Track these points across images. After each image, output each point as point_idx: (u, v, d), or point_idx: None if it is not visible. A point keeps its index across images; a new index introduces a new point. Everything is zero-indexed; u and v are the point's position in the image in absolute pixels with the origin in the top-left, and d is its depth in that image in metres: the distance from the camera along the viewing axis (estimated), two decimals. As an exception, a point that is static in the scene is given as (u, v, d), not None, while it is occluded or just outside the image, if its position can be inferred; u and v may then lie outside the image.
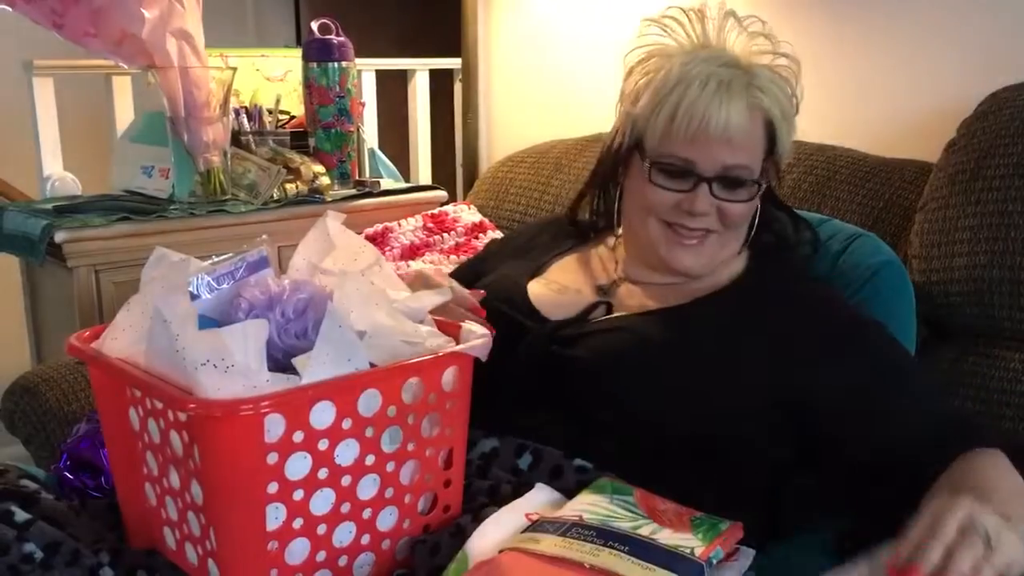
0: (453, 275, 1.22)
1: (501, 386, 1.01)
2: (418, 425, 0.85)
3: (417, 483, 0.87)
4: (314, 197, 1.84)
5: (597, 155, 1.23)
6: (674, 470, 0.97)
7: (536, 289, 1.18)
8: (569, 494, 0.94)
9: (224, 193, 1.77)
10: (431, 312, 0.92)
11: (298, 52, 1.98)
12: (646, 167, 1.09)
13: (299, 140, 1.93)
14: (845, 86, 1.68)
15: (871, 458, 0.98)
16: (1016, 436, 0.96)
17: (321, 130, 1.90)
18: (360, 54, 1.94)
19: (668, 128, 1.06)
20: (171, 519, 0.86)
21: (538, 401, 1.05)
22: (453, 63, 2.38)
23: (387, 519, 0.85)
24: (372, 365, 0.81)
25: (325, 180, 1.86)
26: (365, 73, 2.24)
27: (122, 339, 0.84)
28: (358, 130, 1.95)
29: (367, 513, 0.83)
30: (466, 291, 1.08)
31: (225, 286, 0.88)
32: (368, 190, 1.93)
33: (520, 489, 0.94)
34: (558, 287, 1.18)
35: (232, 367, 0.73)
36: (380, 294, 0.87)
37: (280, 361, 0.81)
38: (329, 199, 1.85)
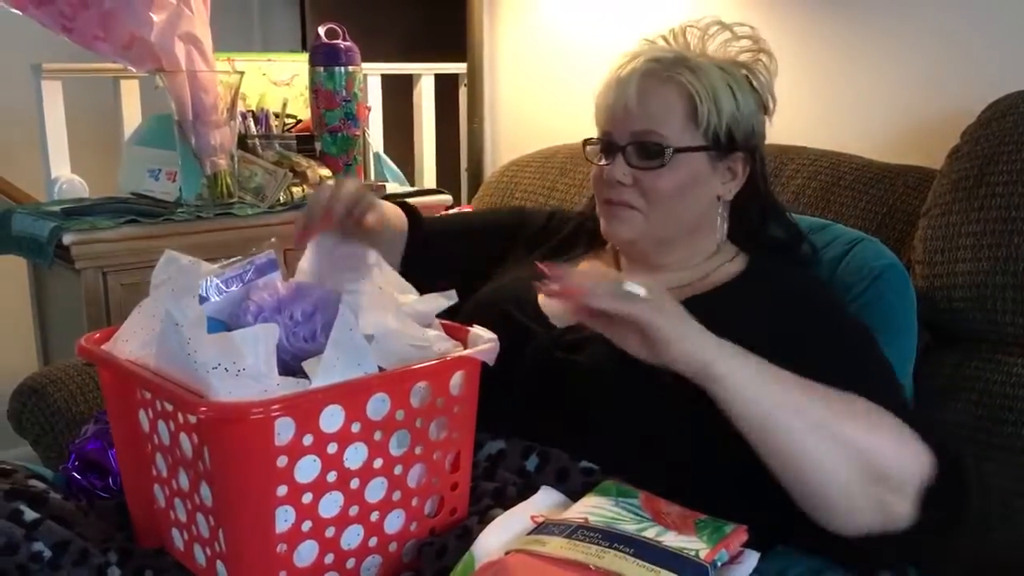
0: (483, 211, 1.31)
1: (507, 389, 1.01)
2: (426, 429, 0.85)
3: (424, 486, 0.87)
4: (320, 201, 1.85)
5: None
6: (675, 472, 0.98)
7: None
8: (575, 496, 0.94)
9: (231, 196, 1.78)
10: None
11: (305, 56, 1.99)
12: (583, 150, 1.21)
13: (305, 144, 1.94)
14: (849, 92, 1.68)
15: None
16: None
17: (327, 134, 1.91)
18: (366, 59, 1.95)
19: (598, 115, 1.18)
20: (180, 520, 0.86)
21: (542, 404, 1.06)
22: (458, 68, 2.39)
23: (394, 522, 0.86)
24: (381, 369, 0.82)
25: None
26: (371, 77, 2.25)
27: (133, 341, 0.84)
28: (364, 134, 1.96)
29: (375, 516, 0.84)
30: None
31: (234, 288, 0.88)
32: (374, 194, 1.93)
33: (526, 491, 0.94)
34: None
35: (243, 371, 0.74)
36: (388, 298, 0.88)
37: (288, 364, 0.82)
38: (335, 203, 1.86)
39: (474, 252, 1.32)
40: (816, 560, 1.01)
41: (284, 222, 1.79)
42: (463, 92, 2.40)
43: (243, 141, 1.85)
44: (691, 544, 0.86)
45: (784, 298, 1.10)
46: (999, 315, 1.26)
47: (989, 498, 1.02)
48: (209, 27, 1.74)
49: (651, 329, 0.88)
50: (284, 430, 0.75)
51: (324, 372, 0.77)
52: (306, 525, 0.79)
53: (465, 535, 0.86)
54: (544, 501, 0.92)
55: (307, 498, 0.78)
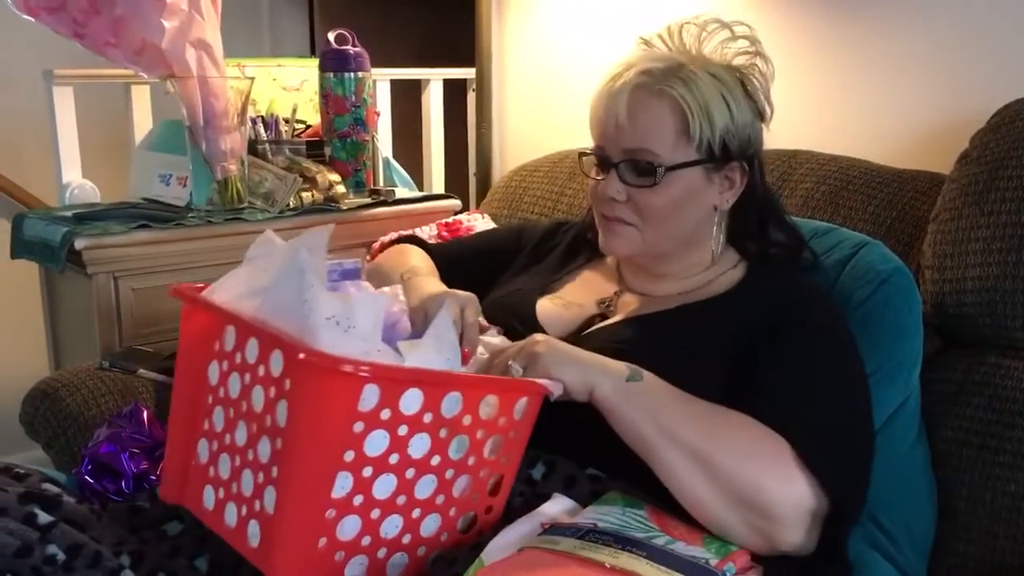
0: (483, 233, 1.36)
1: None
2: (483, 442, 0.87)
3: (465, 499, 0.89)
4: (330, 206, 1.86)
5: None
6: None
7: (544, 305, 1.22)
8: (583, 503, 0.95)
9: (241, 201, 1.79)
10: None
11: (314, 62, 1.99)
12: (579, 163, 1.20)
13: (315, 149, 1.94)
14: (858, 97, 1.69)
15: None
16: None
17: (337, 139, 1.92)
18: (375, 64, 1.96)
19: (592, 127, 1.17)
20: (219, 477, 0.87)
21: (544, 414, 1.06)
22: (467, 73, 2.39)
23: (430, 525, 0.87)
24: None
25: (340, 189, 1.87)
26: (380, 83, 2.26)
27: (231, 292, 0.87)
28: (373, 139, 1.97)
29: (416, 513, 0.85)
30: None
31: (326, 271, 0.92)
32: (383, 199, 1.94)
33: (533, 500, 0.95)
34: (563, 303, 1.22)
35: (353, 328, 0.77)
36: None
37: None
38: (344, 208, 1.87)
39: (475, 276, 1.33)
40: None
41: (294, 227, 1.80)
42: (472, 97, 2.41)
43: (253, 146, 1.86)
44: (700, 553, 0.86)
45: (778, 307, 1.11)
46: (1009, 320, 1.26)
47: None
48: (219, 33, 1.74)
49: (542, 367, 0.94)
50: (369, 396, 0.77)
51: (417, 355, 0.81)
52: (358, 499, 0.80)
53: (476, 546, 0.87)
54: (555, 507, 0.93)
55: (367, 472, 0.80)
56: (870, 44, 1.67)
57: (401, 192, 2.05)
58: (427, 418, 0.81)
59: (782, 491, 0.92)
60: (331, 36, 1.91)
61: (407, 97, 2.45)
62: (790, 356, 1.05)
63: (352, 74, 1.89)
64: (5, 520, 0.88)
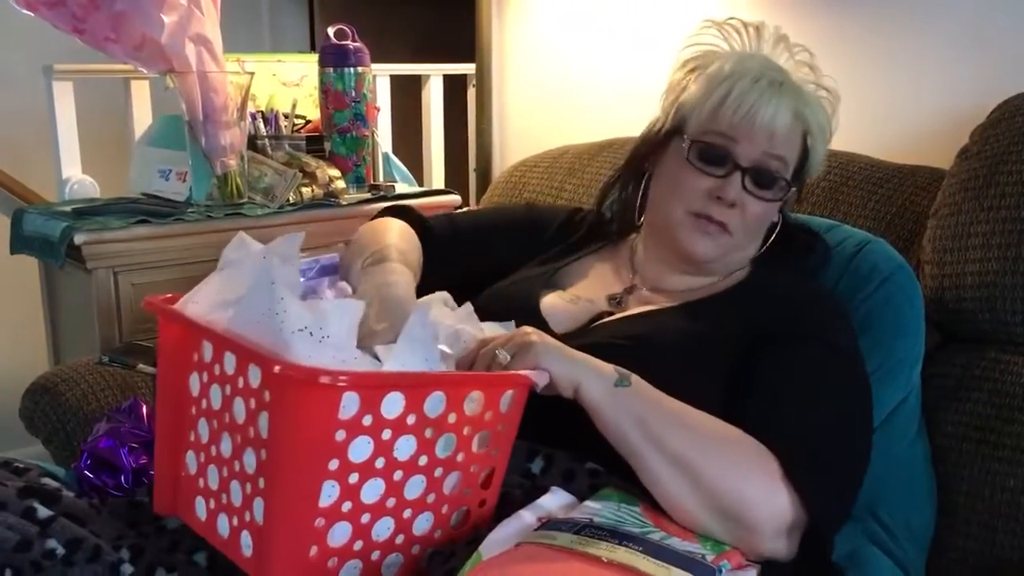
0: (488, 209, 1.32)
1: None
2: (471, 438, 0.87)
3: (456, 495, 0.88)
4: (329, 201, 1.86)
5: (611, 159, 1.24)
6: None
7: (551, 299, 1.19)
8: (582, 497, 0.95)
9: (241, 196, 1.79)
10: None
11: (314, 57, 1.99)
12: (685, 146, 1.12)
13: (315, 144, 1.94)
14: (858, 92, 1.68)
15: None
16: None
17: (337, 134, 1.92)
18: (375, 59, 1.95)
19: (715, 112, 1.10)
20: (209, 489, 0.87)
21: (545, 408, 1.06)
22: (467, 68, 2.39)
23: (423, 524, 0.87)
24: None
25: (340, 184, 1.87)
26: (380, 78, 2.25)
27: (204, 303, 0.87)
28: (373, 134, 1.97)
29: (407, 513, 0.85)
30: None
31: (299, 281, 0.92)
32: (382, 194, 1.94)
33: (532, 493, 0.94)
34: (571, 297, 1.20)
35: (327, 338, 0.76)
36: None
37: None
38: (344, 203, 1.87)
39: (487, 258, 1.31)
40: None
41: (294, 222, 1.80)
42: (472, 93, 2.41)
43: (253, 142, 1.86)
44: (696, 549, 0.87)
45: (785, 313, 1.11)
46: (1008, 315, 1.26)
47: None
48: (219, 28, 1.74)
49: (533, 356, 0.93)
50: (349, 404, 0.76)
51: (395, 359, 0.80)
52: (346, 505, 0.80)
53: (474, 541, 0.87)
54: (553, 501, 0.93)
55: (353, 478, 0.79)
56: (869, 40, 1.67)
57: (401, 187, 2.05)
58: (411, 420, 0.81)
59: (764, 507, 0.92)
60: (331, 31, 1.91)
61: (407, 93, 2.45)
62: (792, 368, 1.04)
63: (352, 69, 1.89)
64: (4, 514, 0.88)
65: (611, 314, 1.16)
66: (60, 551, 0.86)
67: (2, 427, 1.97)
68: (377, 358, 0.82)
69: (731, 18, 1.17)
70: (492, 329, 1.01)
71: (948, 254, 1.31)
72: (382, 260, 1.11)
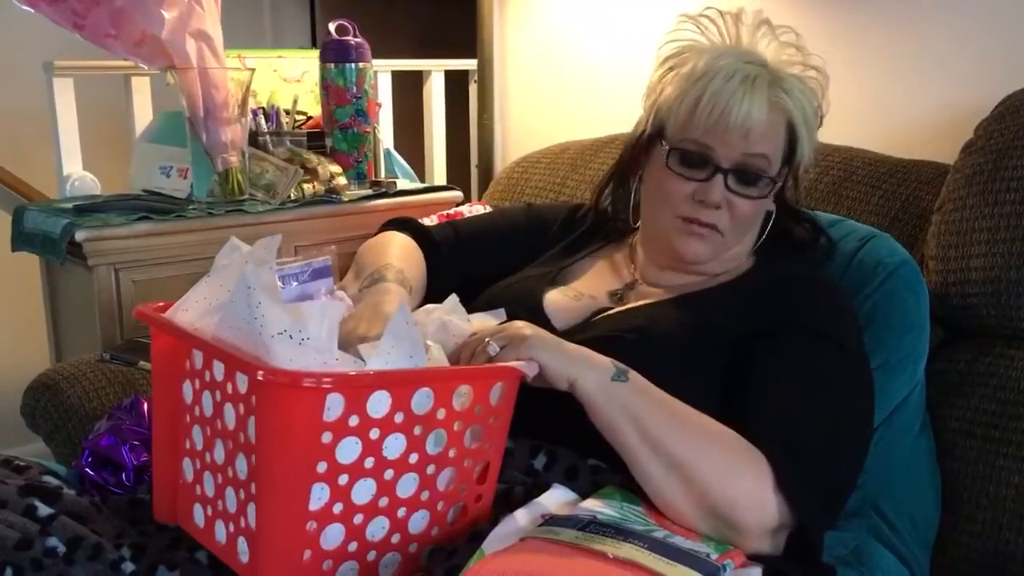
0: (489, 214, 1.36)
1: None
2: (462, 433, 0.86)
3: (452, 491, 0.88)
4: (331, 197, 1.85)
5: (612, 156, 1.24)
6: None
7: (553, 296, 1.20)
8: (584, 494, 0.94)
9: (242, 193, 1.78)
10: None
11: (315, 53, 1.99)
12: (664, 152, 1.11)
13: (316, 140, 1.94)
14: (862, 87, 1.68)
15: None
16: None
17: (338, 130, 1.91)
18: (376, 55, 1.95)
19: (690, 116, 1.09)
20: (205, 495, 0.87)
21: (547, 404, 1.06)
22: (468, 64, 2.38)
23: (418, 522, 0.86)
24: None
25: (342, 180, 1.87)
26: (381, 74, 2.25)
27: (192, 312, 0.87)
28: (374, 131, 1.96)
29: (402, 511, 0.84)
30: None
31: (293, 285, 0.92)
32: (384, 190, 1.94)
33: (535, 490, 0.94)
34: (574, 294, 1.20)
35: (307, 340, 0.76)
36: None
37: None
38: (346, 199, 1.86)
39: (491, 263, 1.31)
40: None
41: (295, 219, 1.79)
42: (473, 89, 2.40)
43: (254, 138, 1.85)
44: (700, 548, 0.86)
45: (786, 303, 1.10)
46: (1013, 310, 1.25)
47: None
48: (220, 24, 1.74)
49: (537, 361, 0.92)
50: (334, 406, 0.76)
51: (378, 357, 0.80)
52: (337, 507, 0.80)
53: (475, 538, 0.86)
54: (555, 498, 0.92)
55: (343, 480, 0.79)
56: (874, 34, 1.66)
57: (402, 184, 2.04)
58: (398, 418, 0.80)
59: (753, 509, 0.92)
60: (332, 27, 1.90)
61: (409, 89, 2.44)
62: (789, 363, 1.04)
63: (353, 65, 1.88)
64: (5, 512, 0.88)
65: (612, 309, 1.16)
66: (61, 549, 0.86)
67: (3, 425, 1.96)
68: (361, 358, 0.82)
69: (707, 8, 1.15)
70: (480, 320, 1.00)
71: (953, 249, 1.30)
72: (378, 281, 1.13)
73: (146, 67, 1.77)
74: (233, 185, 1.77)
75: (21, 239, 1.78)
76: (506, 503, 0.93)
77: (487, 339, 0.92)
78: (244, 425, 0.79)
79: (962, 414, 1.25)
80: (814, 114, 1.13)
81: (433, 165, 2.42)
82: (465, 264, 1.31)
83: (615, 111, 2.05)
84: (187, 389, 0.88)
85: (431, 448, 0.84)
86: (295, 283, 0.92)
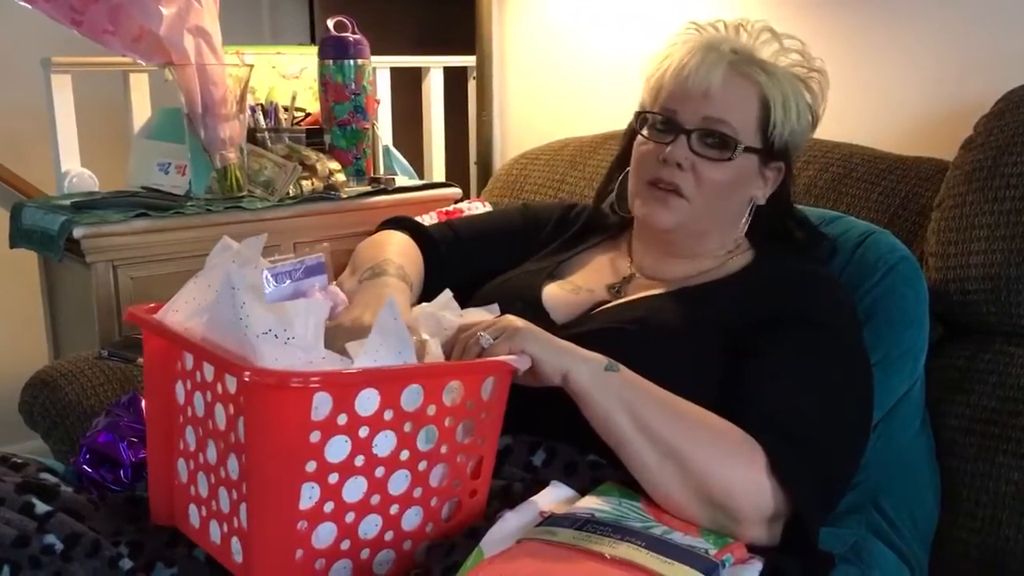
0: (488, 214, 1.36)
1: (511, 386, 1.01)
2: (454, 429, 0.86)
3: (445, 487, 0.88)
4: (329, 194, 1.85)
5: (612, 152, 1.25)
6: None
7: (552, 290, 1.20)
8: (583, 491, 0.94)
9: (240, 190, 1.78)
10: None
11: (314, 50, 1.98)
12: (637, 122, 1.16)
13: (314, 137, 1.93)
14: (861, 84, 1.67)
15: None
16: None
17: (336, 127, 1.91)
18: (375, 52, 1.94)
19: (658, 88, 1.14)
20: (200, 496, 0.87)
21: (546, 400, 1.06)
22: (467, 61, 2.38)
23: (412, 518, 0.86)
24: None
25: (340, 177, 1.86)
26: (380, 71, 2.24)
27: (182, 312, 0.86)
28: (373, 127, 1.96)
29: (394, 509, 0.84)
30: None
31: (286, 283, 0.91)
32: (383, 187, 1.93)
33: (533, 487, 0.94)
34: (572, 287, 1.21)
35: (292, 339, 0.76)
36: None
37: None
38: (344, 196, 1.86)
39: (488, 261, 1.31)
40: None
41: (294, 215, 1.79)
42: (472, 85, 2.40)
43: (252, 134, 1.85)
44: (698, 543, 0.86)
45: (784, 296, 1.10)
46: (1012, 307, 1.25)
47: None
48: (218, 20, 1.73)
49: (529, 354, 0.92)
50: (321, 405, 0.76)
51: (366, 355, 0.79)
52: (328, 506, 0.80)
53: (473, 535, 0.86)
54: (553, 496, 0.92)
55: (333, 478, 0.79)
56: (873, 30, 1.66)
57: (401, 180, 2.04)
58: (388, 415, 0.80)
59: (749, 497, 0.93)
60: (330, 23, 1.90)
61: (407, 85, 2.44)
62: (786, 353, 1.04)
63: (352, 62, 1.87)
64: (2, 510, 0.88)
65: (610, 302, 1.17)
66: (59, 546, 0.86)
67: (1, 422, 1.96)
68: (348, 355, 0.81)
69: (717, 20, 1.18)
70: (473, 314, 1.00)
71: (952, 246, 1.30)
72: (378, 274, 1.13)
73: (144, 63, 1.76)
74: (231, 182, 1.77)
75: (19, 236, 1.78)
76: (504, 499, 0.93)
77: (480, 332, 0.92)
78: (234, 425, 0.79)
79: (962, 411, 1.25)
80: (805, 107, 1.15)
81: (432, 162, 2.42)
82: (463, 263, 1.31)
83: (614, 107, 2.04)
84: (179, 390, 0.88)
85: (422, 444, 0.84)
86: (288, 281, 0.91)
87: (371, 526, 0.83)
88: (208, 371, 0.83)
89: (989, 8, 1.52)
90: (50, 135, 1.96)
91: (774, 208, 1.19)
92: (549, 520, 0.86)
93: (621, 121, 1.33)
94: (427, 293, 1.20)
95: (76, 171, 1.97)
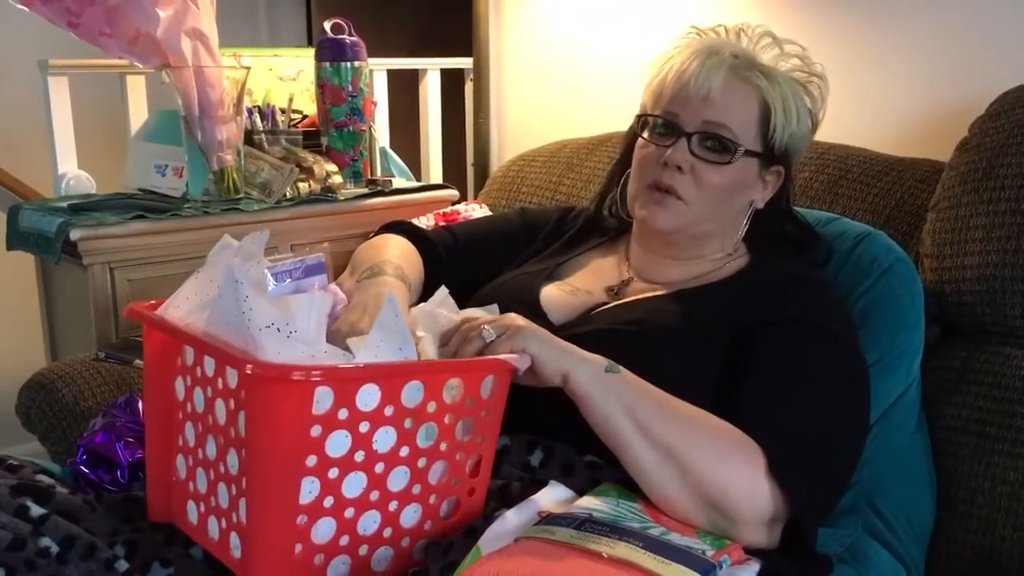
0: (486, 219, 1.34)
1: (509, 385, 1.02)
2: (453, 426, 0.86)
3: (444, 485, 0.88)
4: (327, 196, 1.85)
5: (609, 154, 1.25)
6: None
7: (550, 291, 1.21)
8: (581, 491, 0.95)
9: (237, 192, 1.78)
10: None
11: (311, 52, 1.98)
12: (639, 125, 1.17)
13: (312, 139, 1.93)
14: (857, 86, 1.68)
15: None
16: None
17: (333, 129, 1.91)
18: (372, 54, 1.95)
19: (659, 91, 1.15)
20: (198, 492, 0.87)
21: (544, 400, 1.06)
22: (464, 63, 2.38)
23: (411, 515, 0.86)
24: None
25: (337, 179, 1.87)
26: (377, 73, 2.25)
27: (183, 307, 0.87)
28: (370, 129, 1.96)
29: (393, 505, 0.84)
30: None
31: (287, 282, 0.91)
32: (380, 189, 1.93)
33: (531, 486, 0.94)
34: (571, 289, 1.21)
35: (295, 333, 0.76)
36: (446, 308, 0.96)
37: None
38: (341, 198, 1.86)
39: (487, 265, 1.31)
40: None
41: (291, 217, 1.79)
42: (469, 87, 2.40)
43: (249, 136, 1.85)
44: (696, 544, 0.86)
45: (780, 298, 1.10)
46: (1007, 308, 1.25)
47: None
48: (215, 22, 1.73)
49: (530, 354, 0.92)
50: (323, 399, 0.76)
51: (367, 350, 0.80)
52: (328, 501, 0.80)
53: (471, 533, 0.87)
54: (551, 496, 0.92)
55: (333, 473, 0.79)
56: (868, 32, 1.66)
57: (398, 182, 2.04)
58: (388, 411, 0.80)
59: (747, 499, 0.93)
60: (327, 25, 1.90)
61: (404, 87, 2.44)
62: (782, 355, 1.04)
63: (349, 63, 1.88)
64: (-2, 512, 0.88)
65: (609, 304, 1.17)
66: (54, 549, 0.86)
67: (-1, 424, 1.96)
68: (349, 351, 0.82)
69: (718, 25, 1.19)
70: (472, 313, 1.00)
71: (948, 247, 1.30)
72: (377, 274, 1.14)
73: (141, 66, 1.76)
74: (228, 184, 1.77)
75: (16, 238, 1.78)
76: (503, 499, 0.93)
77: (483, 325, 0.92)
78: (235, 420, 0.80)
79: (957, 412, 1.25)
80: (806, 111, 1.16)
81: (429, 164, 2.42)
82: (462, 265, 1.31)
83: (611, 109, 2.05)
84: (179, 386, 0.88)
85: (422, 441, 0.84)
86: (289, 279, 0.92)
87: (370, 522, 0.83)
88: (209, 366, 0.83)
89: (984, 10, 1.53)
90: (47, 137, 1.96)
91: (772, 212, 1.20)
92: (547, 519, 0.87)
93: (618, 123, 1.34)
94: (426, 296, 1.21)
95: (73, 173, 1.97)
